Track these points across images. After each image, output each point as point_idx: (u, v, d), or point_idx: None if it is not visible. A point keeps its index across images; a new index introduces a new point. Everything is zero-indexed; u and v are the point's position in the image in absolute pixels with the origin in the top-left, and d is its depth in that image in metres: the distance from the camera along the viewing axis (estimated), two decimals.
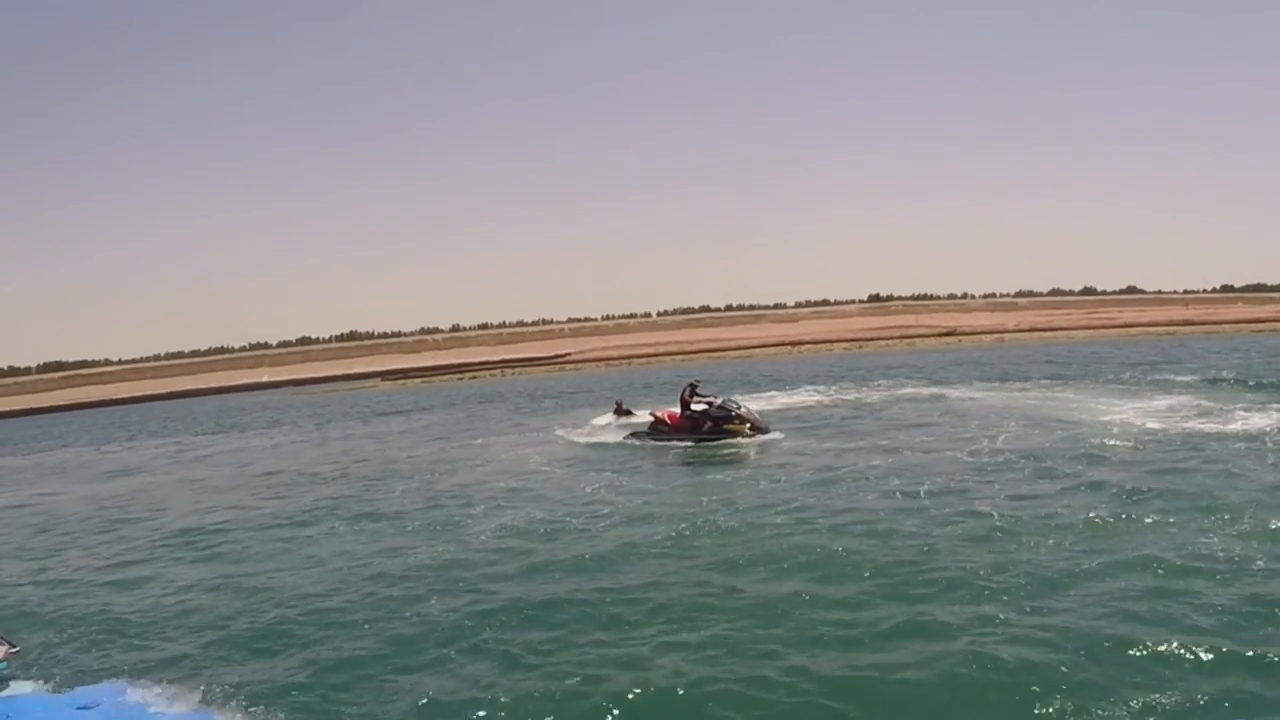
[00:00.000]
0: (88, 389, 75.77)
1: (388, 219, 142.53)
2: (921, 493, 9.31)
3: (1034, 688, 4.60)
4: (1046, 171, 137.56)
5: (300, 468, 16.86)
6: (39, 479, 19.97)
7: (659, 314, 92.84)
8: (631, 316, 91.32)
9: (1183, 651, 4.85)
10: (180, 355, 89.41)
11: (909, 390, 22.64)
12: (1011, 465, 10.56)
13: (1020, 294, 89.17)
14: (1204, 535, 6.96)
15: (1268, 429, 11.92)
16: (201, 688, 5.51)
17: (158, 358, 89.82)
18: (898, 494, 9.41)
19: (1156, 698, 4.40)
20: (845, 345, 62.51)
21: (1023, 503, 8.57)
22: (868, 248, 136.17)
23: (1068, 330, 62.58)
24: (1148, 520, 7.54)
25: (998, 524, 7.76)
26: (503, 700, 5.04)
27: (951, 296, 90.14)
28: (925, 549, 7.17)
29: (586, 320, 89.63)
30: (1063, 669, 4.77)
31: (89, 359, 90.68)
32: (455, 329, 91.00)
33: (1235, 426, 12.42)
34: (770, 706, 4.74)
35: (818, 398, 22.50)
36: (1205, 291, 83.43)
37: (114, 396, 69.90)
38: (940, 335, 64.72)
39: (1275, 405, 14.38)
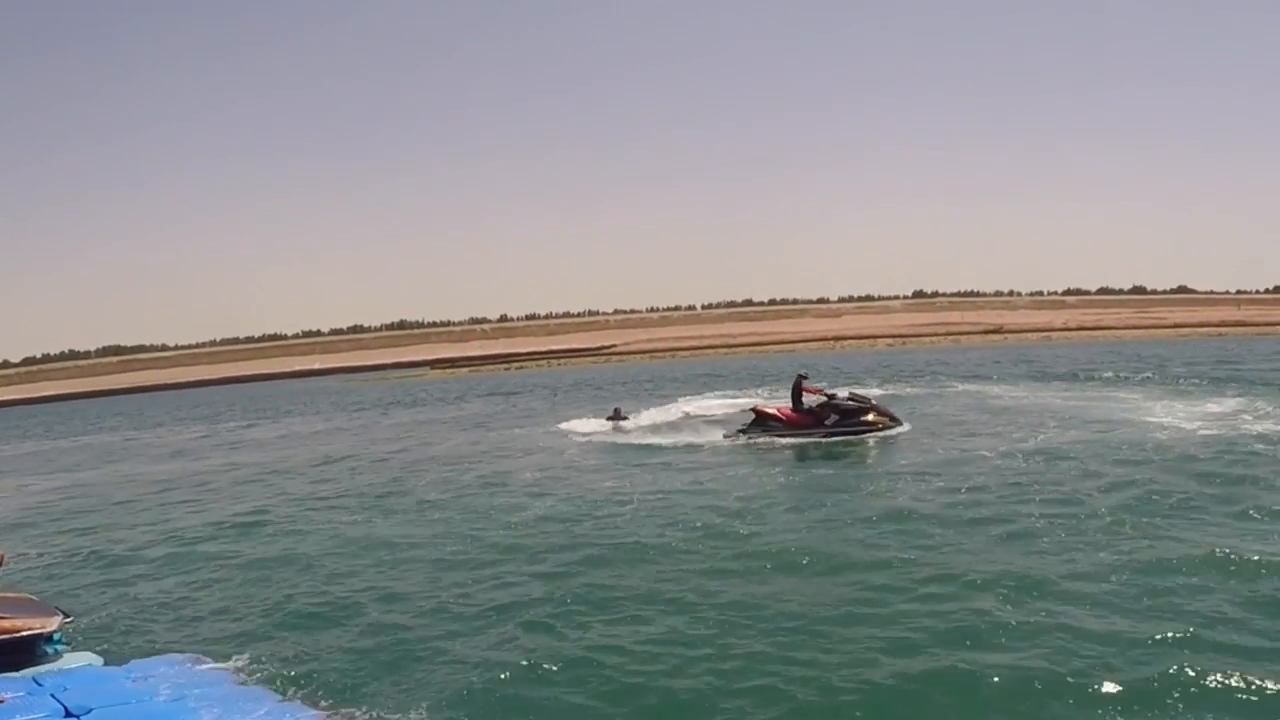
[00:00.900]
0: (145, 373, 77.57)
1: (438, 209, 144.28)
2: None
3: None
4: (1099, 170, 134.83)
5: (359, 452, 17.24)
6: (95, 459, 20.75)
7: (703, 307, 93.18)
8: (676, 309, 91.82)
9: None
10: (234, 341, 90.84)
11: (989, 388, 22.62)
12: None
13: (1069, 292, 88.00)
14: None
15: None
16: (252, 663, 5.67)
17: (212, 343, 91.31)
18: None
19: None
20: (889, 341, 62.36)
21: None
22: (913, 243, 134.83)
23: (1116, 329, 61.74)
24: (1198, 520, 7.68)
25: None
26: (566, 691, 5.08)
27: (998, 293, 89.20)
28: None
29: (632, 313, 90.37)
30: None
31: (147, 344, 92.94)
32: (503, 319, 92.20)
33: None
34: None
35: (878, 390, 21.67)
36: (1258, 292, 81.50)
37: (168, 381, 71.74)
38: (986, 333, 64.26)
39: None
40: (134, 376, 76.07)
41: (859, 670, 5.10)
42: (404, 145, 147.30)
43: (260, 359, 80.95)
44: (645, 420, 18.80)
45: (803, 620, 5.92)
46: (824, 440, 13.61)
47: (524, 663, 5.47)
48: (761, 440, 13.94)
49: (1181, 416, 14.52)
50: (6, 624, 5.31)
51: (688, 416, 19.57)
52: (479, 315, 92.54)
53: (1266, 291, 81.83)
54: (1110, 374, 24.95)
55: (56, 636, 5.63)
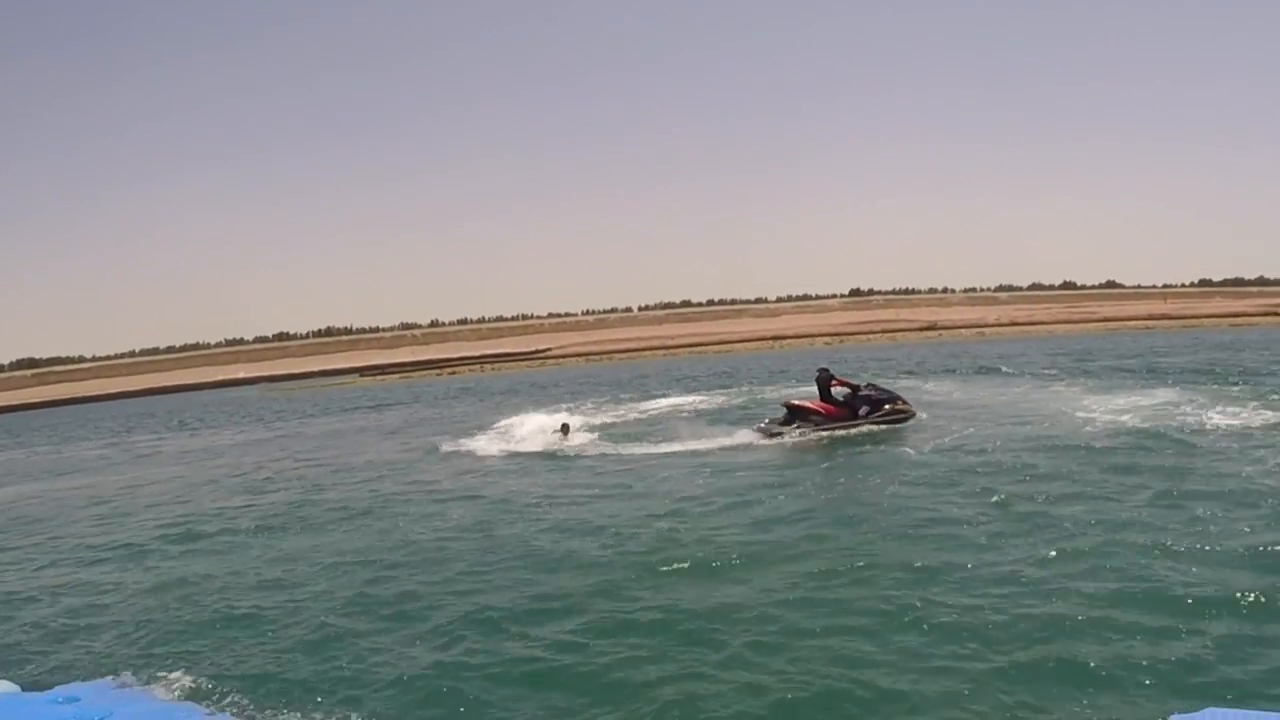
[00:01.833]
0: (59, 386, 74.54)
1: (367, 216, 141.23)
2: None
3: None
4: (1028, 167, 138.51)
5: (277, 463, 16.48)
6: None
7: (640, 309, 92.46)
8: (612, 311, 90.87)
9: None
10: (155, 352, 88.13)
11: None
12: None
13: (1000, 288, 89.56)
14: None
15: (1248, 426, 11.74)
16: (178, 680, 5.60)
17: (132, 354, 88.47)
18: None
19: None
20: (827, 339, 62.42)
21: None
22: (849, 243, 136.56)
23: (1047, 325, 62.73)
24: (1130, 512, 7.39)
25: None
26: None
27: (932, 291, 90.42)
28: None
29: (566, 316, 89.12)
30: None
31: (63, 356, 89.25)
32: (434, 324, 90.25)
33: (1213, 422, 12.26)
34: None
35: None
36: (1183, 286, 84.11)
37: (83, 394, 68.67)
38: (921, 329, 64.77)
39: (1254, 402, 14.17)
40: (47, 390, 72.71)
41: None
42: (328, 154, 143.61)
43: (181, 369, 78.01)
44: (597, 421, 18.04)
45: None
46: (875, 428, 13.79)
47: (459, 669, 5.45)
48: (812, 435, 13.79)
49: (1103, 409, 14.36)
50: None
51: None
52: (409, 321, 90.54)
53: (1191, 285, 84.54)
54: (1041, 369, 24.96)
55: None
